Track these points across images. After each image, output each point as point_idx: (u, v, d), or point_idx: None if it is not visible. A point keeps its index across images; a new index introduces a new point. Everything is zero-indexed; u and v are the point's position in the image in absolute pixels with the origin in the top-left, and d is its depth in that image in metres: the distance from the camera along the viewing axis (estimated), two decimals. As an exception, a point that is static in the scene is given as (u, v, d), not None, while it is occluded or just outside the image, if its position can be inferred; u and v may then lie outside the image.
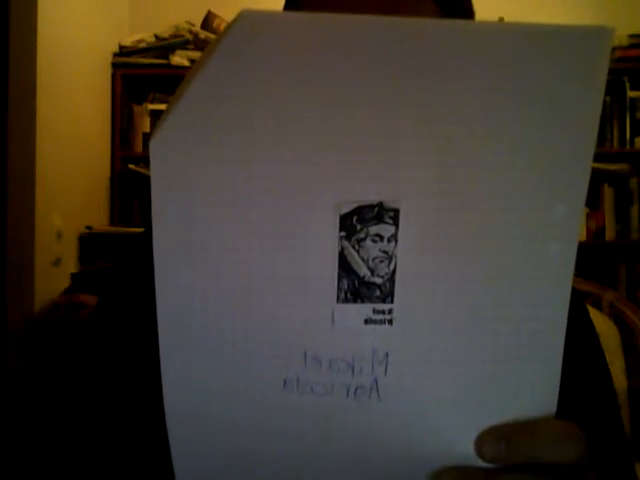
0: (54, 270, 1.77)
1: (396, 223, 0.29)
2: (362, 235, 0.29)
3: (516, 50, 0.28)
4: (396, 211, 0.29)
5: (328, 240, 0.29)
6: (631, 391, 1.51)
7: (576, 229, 0.30)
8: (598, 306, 1.62)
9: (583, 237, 2.37)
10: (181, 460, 0.32)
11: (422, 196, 0.29)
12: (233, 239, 0.29)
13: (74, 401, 0.54)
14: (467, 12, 0.51)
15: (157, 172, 0.29)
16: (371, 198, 0.29)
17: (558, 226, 0.30)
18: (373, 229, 0.29)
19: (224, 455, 0.33)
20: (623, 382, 1.50)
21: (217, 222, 0.29)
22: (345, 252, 0.29)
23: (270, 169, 0.29)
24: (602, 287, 1.69)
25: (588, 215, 2.37)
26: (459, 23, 0.28)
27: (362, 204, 0.29)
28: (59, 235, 1.80)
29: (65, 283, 1.84)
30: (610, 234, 2.38)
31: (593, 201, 2.40)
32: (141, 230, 0.60)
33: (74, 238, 1.94)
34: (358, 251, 0.29)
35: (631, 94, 2.37)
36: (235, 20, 0.27)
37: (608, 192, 2.40)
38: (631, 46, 2.33)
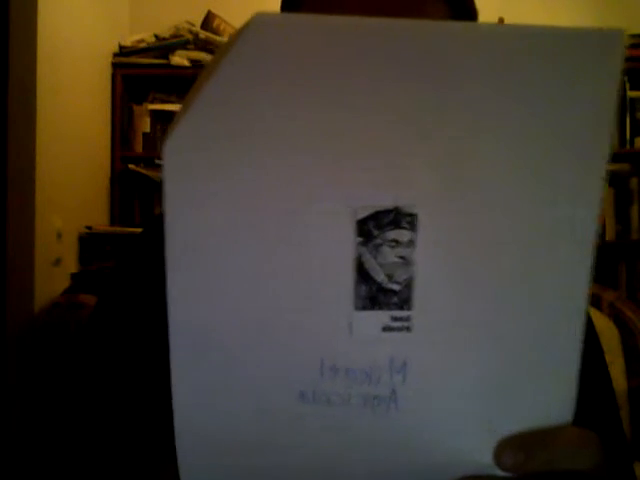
0: (54, 270, 1.77)
1: (413, 228, 0.29)
2: (379, 241, 0.29)
3: (525, 53, 0.28)
4: (413, 216, 0.28)
5: (344, 246, 0.28)
6: (631, 391, 1.51)
7: (592, 232, 0.29)
8: (598, 306, 1.62)
9: (583, 237, 2.36)
10: (190, 472, 0.31)
11: (438, 200, 0.29)
12: (246, 247, 0.29)
13: (74, 401, 0.54)
14: (473, 12, 0.51)
15: (170, 178, 0.28)
16: (387, 203, 0.28)
17: (574, 230, 0.29)
18: (390, 234, 0.29)
19: (238, 469, 0.32)
20: (623, 382, 1.50)
21: (230, 230, 0.28)
22: (362, 258, 0.29)
23: (282, 175, 0.28)
24: (602, 287, 1.69)
25: (588, 215, 2.37)
26: (466, 25, 0.28)
27: (379, 209, 0.28)
28: (59, 235, 1.79)
29: (65, 283, 1.84)
30: (610, 234, 2.38)
31: (593, 201, 2.39)
32: (141, 230, 0.60)
33: (74, 238, 1.94)
34: (375, 257, 0.29)
35: (631, 94, 2.37)
36: (248, 23, 0.27)
37: (608, 192, 2.40)
38: (631, 46, 2.33)
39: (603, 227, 2.38)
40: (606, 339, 1.54)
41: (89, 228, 1.99)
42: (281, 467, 0.32)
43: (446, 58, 0.27)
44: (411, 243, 0.29)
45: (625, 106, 2.37)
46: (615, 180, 2.40)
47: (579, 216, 0.29)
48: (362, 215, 0.28)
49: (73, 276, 1.88)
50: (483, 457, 0.31)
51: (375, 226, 0.28)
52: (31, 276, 1.60)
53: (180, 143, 0.28)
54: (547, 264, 0.30)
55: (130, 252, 0.58)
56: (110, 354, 0.53)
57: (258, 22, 0.27)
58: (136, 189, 2.27)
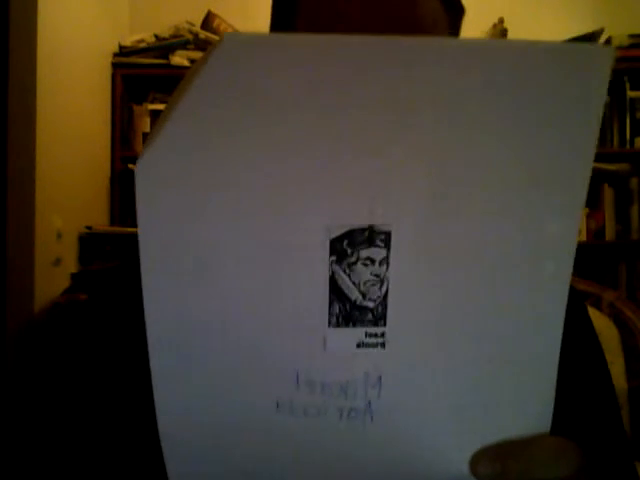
0: (54, 270, 1.77)
1: (387, 246, 0.29)
2: (353, 259, 0.29)
3: (512, 68, 0.28)
4: (387, 234, 0.29)
5: (318, 264, 0.29)
6: (631, 391, 1.51)
7: (573, 244, 0.30)
8: (598, 306, 1.62)
9: (583, 237, 2.37)
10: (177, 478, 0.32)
11: (413, 218, 0.29)
12: (219, 265, 0.29)
13: (74, 401, 0.54)
14: (461, 8, 0.51)
15: (143, 198, 0.29)
16: (361, 221, 0.28)
17: (554, 243, 0.30)
18: (364, 253, 0.29)
19: (220, 477, 0.33)
20: (623, 382, 1.50)
21: (206, 246, 0.29)
22: (336, 276, 0.29)
23: (255, 193, 0.28)
24: (602, 287, 1.69)
25: (588, 215, 2.37)
26: (452, 41, 0.28)
27: (353, 227, 0.28)
28: (59, 235, 1.80)
29: (65, 283, 1.84)
30: (610, 234, 2.38)
31: (593, 201, 2.40)
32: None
33: (74, 238, 1.95)
34: (349, 275, 0.29)
35: (631, 94, 2.37)
36: (219, 43, 0.27)
37: (608, 192, 2.40)
38: (631, 46, 2.32)
39: (603, 227, 2.38)
40: (606, 339, 1.53)
41: (89, 228, 1.99)
42: (261, 474, 0.32)
43: (433, 77, 0.27)
44: (385, 261, 0.29)
45: (625, 106, 2.37)
46: (615, 180, 2.40)
47: (560, 231, 0.29)
48: (336, 234, 0.28)
49: (73, 276, 1.88)
50: (459, 468, 0.31)
51: (349, 244, 0.29)
52: (31, 276, 1.60)
53: (153, 162, 0.28)
54: (525, 279, 0.30)
55: (133, 252, 0.58)
56: (111, 354, 0.53)
57: (229, 41, 0.27)
58: (136, 189, 2.27)
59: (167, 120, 0.27)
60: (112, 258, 1.96)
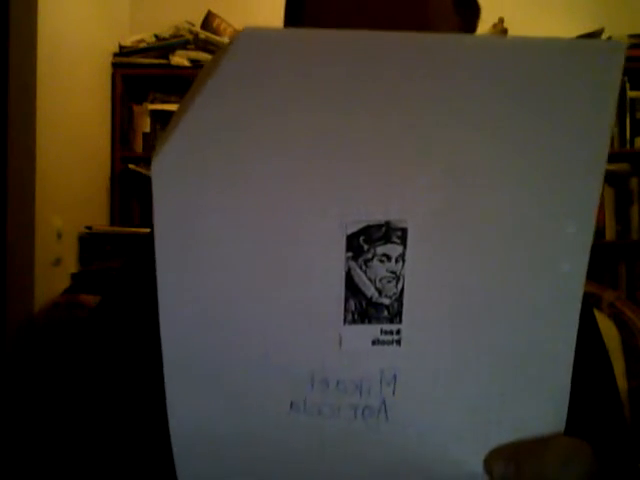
0: (54, 270, 1.77)
1: (404, 243, 0.28)
2: (369, 255, 0.29)
3: (524, 65, 0.27)
4: (404, 230, 0.28)
5: (334, 261, 0.29)
6: (631, 391, 1.51)
7: (587, 247, 0.30)
8: (598, 306, 1.61)
9: (583, 237, 2.36)
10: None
11: (429, 215, 0.29)
12: (236, 261, 0.29)
13: (74, 401, 0.53)
14: (477, 8, 0.50)
15: (159, 193, 0.28)
16: (378, 218, 0.28)
17: (568, 244, 0.29)
18: (380, 249, 0.29)
19: (232, 477, 0.32)
20: (623, 382, 1.50)
21: (220, 244, 0.29)
22: (352, 273, 0.29)
23: (274, 190, 0.28)
24: (602, 287, 1.69)
25: (588, 215, 2.37)
26: (463, 37, 0.28)
27: (369, 224, 0.28)
28: (59, 235, 1.79)
29: (65, 283, 1.84)
30: (610, 234, 2.38)
31: (593, 201, 2.39)
32: (144, 230, 0.60)
33: (74, 238, 1.94)
34: (365, 272, 0.29)
35: (631, 94, 2.37)
36: (236, 38, 0.27)
37: (608, 192, 2.39)
38: (631, 46, 2.32)
39: (603, 227, 2.38)
40: (606, 339, 1.53)
41: (89, 228, 1.99)
42: (275, 474, 0.32)
43: (445, 72, 0.27)
44: (401, 257, 0.29)
45: (625, 106, 2.37)
46: (615, 180, 2.40)
47: (574, 230, 0.29)
48: (352, 230, 0.28)
49: (73, 276, 1.88)
50: (474, 467, 0.31)
51: (365, 240, 0.28)
52: (31, 276, 1.60)
53: (170, 158, 0.28)
54: (539, 278, 0.30)
55: (138, 252, 0.58)
56: (112, 355, 0.53)
57: (246, 37, 0.27)
58: (136, 189, 2.27)
59: (184, 114, 0.27)
60: (112, 258, 1.96)
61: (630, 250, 2.39)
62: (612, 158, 2.40)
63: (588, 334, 0.54)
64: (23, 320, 1.57)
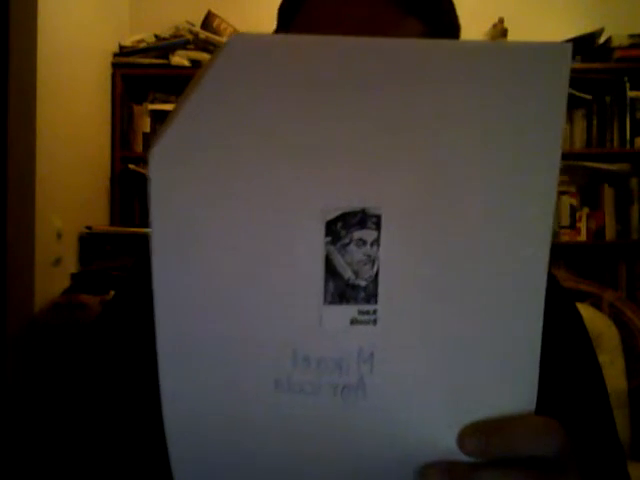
0: (54, 270, 1.77)
1: (378, 228, 0.31)
2: (346, 240, 0.31)
3: (478, 69, 0.30)
4: (378, 217, 0.31)
5: (315, 245, 0.31)
6: (631, 391, 1.51)
7: (548, 232, 0.32)
8: (598, 306, 1.62)
9: (583, 237, 2.37)
10: (180, 464, 0.33)
11: (403, 203, 0.31)
12: (227, 250, 0.31)
13: (74, 402, 0.54)
14: (452, 27, 0.50)
15: (155, 189, 0.30)
16: (355, 205, 0.30)
17: (530, 229, 0.32)
18: (357, 234, 0.31)
19: (223, 457, 0.34)
20: (623, 382, 1.50)
21: (211, 234, 0.30)
22: (331, 256, 0.31)
23: (261, 183, 0.30)
24: (602, 287, 1.69)
25: (588, 215, 2.37)
26: (429, 42, 0.31)
27: (346, 211, 0.30)
28: (59, 235, 1.80)
29: (65, 283, 1.84)
30: (610, 234, 2.38)
31: (593, 201, 2.40)
32: (144, 230, 0.60)
33: (74, 238, 1.95)
34: (343, 255, 0.31)
35: (631, 94, 2.37)
36: (228, 42, 0.28)
37: (608, 192, 2.40)
38: (631, 46, 2.33)
39: (603, 227, 2.38)
40: (606, 339, 1.54)
41: (89, 228, 1.99)
42: (263, 453, 0.33)
43: (420, 75, 0.30)
44: (376, 242, 0.31)
45: (625, 106, 2.37)
46: (615, 180, 2.40)
47: (536, 217, 0.31)
48: (331, 216, 0.30)
49: (73, 276, 1.89)
50: (450, 443, 0.33)
51: (343, 226, 0.31)
52: (31, 276, 1.60)
53: (164, 154, 0.30)
54: (505, 263, 0.32)
55: (144, 253, 0.58)
56: (112, 355, 0.53)
57: (237, 41, 0.28)
58: (136, 189, 2.27)
59: (177, 114, 0.29)
60: (112, 258, 1.96)
61: (630, 250, 2.40)
62: (612, 158, 2.40)
63: (570, 326, 0.55)
64: (23, 320, 1.57)
